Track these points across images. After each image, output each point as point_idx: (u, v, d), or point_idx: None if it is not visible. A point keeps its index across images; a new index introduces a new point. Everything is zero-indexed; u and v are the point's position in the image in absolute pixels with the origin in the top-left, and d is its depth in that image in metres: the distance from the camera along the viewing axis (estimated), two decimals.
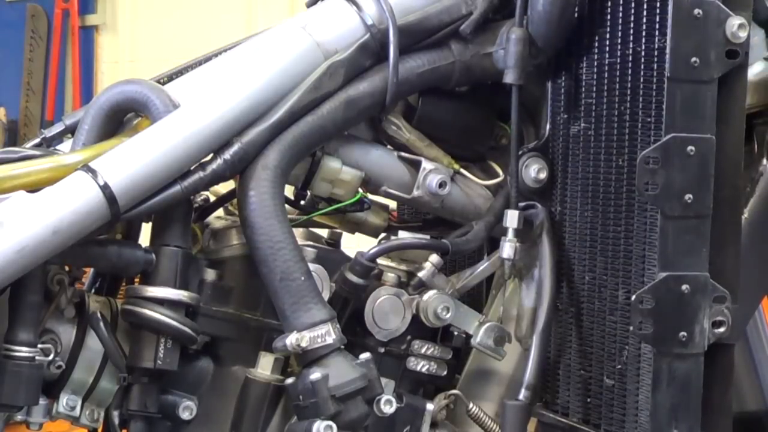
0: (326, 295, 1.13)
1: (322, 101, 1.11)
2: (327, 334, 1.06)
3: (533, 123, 1.23)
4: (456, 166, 1.21)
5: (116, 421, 1.14)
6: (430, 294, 1.17)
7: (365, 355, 1.08)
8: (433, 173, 1.19)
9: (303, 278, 1.07)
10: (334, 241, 1.28)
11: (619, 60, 1.09)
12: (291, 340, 1.05)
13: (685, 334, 1.04)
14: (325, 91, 1.11)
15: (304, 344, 1.04)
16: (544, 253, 1.15)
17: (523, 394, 1.11)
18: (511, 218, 1.14)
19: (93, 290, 1.21)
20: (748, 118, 1.10)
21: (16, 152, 1.08)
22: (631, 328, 1.05)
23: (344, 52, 1.12)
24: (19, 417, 1.11)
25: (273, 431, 1.15)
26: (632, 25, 1.07)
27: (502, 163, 1.24)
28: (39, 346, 1.06)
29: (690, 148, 1.02)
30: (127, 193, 1.03)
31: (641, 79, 1.06)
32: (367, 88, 1.13)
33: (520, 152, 1.17)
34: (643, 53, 1.06)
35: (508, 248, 1.14)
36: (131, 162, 1.04)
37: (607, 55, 1.11)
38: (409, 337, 1.19)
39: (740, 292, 1.08)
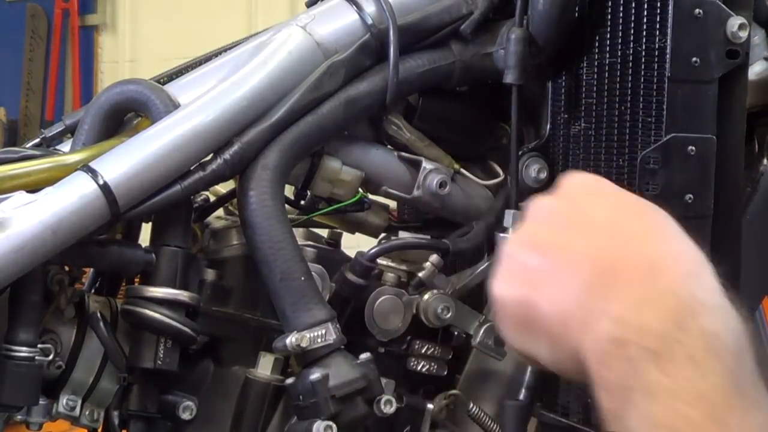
0: (326, 295, 1.13)
1: (322, 101, 1.11)
2: (327, 334, 1.06)
3: (533, 123, 1.23)
4: (456, 166, 1.21)
5: (116, 421, 1.14)
6: (430, 294, 1.16)
7: (365, 355, 1.08)
8: (434, 173, 1.19)
9: (303, 278, 1.06)
10: (334, 241, 1.28)
11: (619, 60, 1.09)
12: (291, 340, 1.05)
13: None
14: (325, 91, 1.11)
15: (304, 344, 1.04)
16: None
17: (523, 395, 1.11)
18: (511, 218, 1.14)
19: (93, 290, 1.21)
20: (748, 118, 1.10)
21: (16, 152, 1.08)
22: None
23: (344, 52, 1.12)
24: (19, 417, 1.11)
25: (273, 431, 1.16)
26: (632, 25, 1.07)
27: (502, 163, 1.24)
28: (39, 346, 1.06)
29: (690, 148, 1.02)
30: (127, 193, 1.03)
31: (641, 79, 1.06)
32: (367, 87, 1.13)
33: (520, 152, 1.17)
34: (643, 53, 1.06)
35: None
36: (131, 162, 1.04)
37: (607, 55, 1.11)
38: (409, 337, 1.18)
39: (740, 292, 1.08)
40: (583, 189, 0.81)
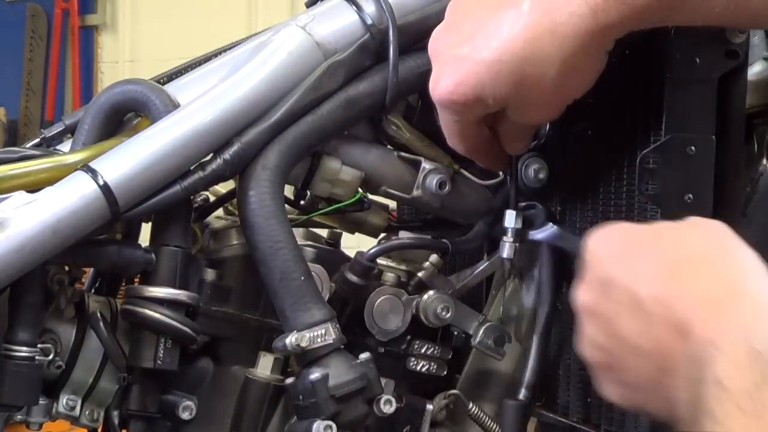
0: (326, 295, 1.13)
1: (322, 101, 1.11)
2: (327, 334, 1.06)
3: None
4: (456, 166, 1.21)
5: (116, 421, 1.14)
6: (430, 294, 1.16)
7: (365, 355, 1.08)
8: (433, 173, 1.19)
9: (303, 278, 1.07)
10: (334, 241, 1.28)
11: (618, 60, 1.09)
12: (291, 340, 1.05)
13: None
14: (325, 91, 1.11)
15: (303, 344, 1.04)
16: (544, 253, 1.15)
17: (522, 394, 1.11)
18: (511, 218, 1.14)
19: (93, 290, 1.21)
20: (748, 118, 1.10)
21: (16, 152, 1.08)
22: None
23: (344, 52, 1.12)
24: (18, 417, 1.11)
25: (273, 431, 1.16)
26: None
27: None
28: (39, 346, 1.06)
29: (690, 147, 1.02)
30: (127, 193, 1.03)
31: (641, 79, 1.06)
32: (366, 88, 1.13)
33: None
34: (642, 53, 1.05)
35: (508, 248, 1.14)
36: (131, 162, 1.04)
37: None
38: (409, 337, 1.18)
39: None
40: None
